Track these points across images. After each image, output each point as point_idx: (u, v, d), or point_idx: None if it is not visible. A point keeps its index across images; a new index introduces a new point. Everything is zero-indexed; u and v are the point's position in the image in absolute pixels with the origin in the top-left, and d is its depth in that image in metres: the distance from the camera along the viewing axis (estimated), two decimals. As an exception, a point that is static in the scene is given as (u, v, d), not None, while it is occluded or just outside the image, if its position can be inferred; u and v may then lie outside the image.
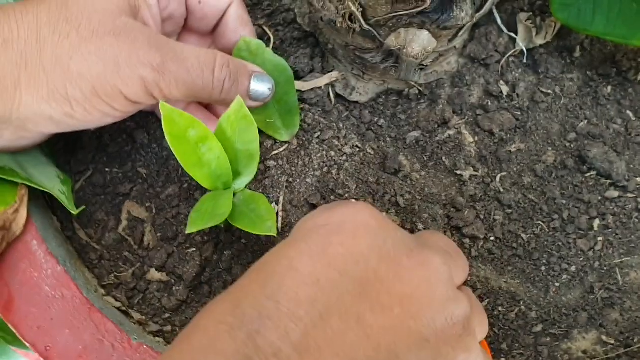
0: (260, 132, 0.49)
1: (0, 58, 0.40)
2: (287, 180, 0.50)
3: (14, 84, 0.40)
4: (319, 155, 0.51)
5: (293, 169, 0.50)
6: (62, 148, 0.53)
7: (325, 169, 0.51)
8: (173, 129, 0.43)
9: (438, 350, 0.33)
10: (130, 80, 0.41)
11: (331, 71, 0.55)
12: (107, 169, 0.53)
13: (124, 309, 0.48)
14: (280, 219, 0.48)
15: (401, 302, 0.33)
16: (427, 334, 0.33)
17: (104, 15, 0.41)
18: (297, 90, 0.53)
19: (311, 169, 0.51)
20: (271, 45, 0.56)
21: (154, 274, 0.49)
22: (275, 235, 0.44)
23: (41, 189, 0.47)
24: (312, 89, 0.54)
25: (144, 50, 0.42)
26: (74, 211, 0.49)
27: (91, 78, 0.41)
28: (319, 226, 0.36)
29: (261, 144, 0.49)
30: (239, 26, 0.51)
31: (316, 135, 0.52)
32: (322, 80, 0.55)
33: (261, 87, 0.48)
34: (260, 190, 0.49)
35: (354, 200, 0.47)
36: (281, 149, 0.51)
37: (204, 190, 0.52)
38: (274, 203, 0.49)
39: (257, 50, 0.49)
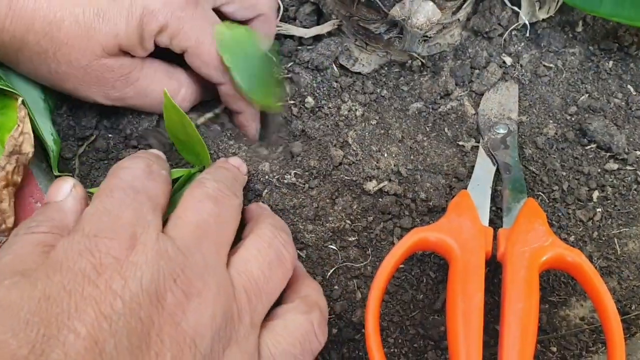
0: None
1: None
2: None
3: None
4: (326, 123, 0.52)
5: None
6: (65, 113, 0.53)
7: (332, 139, 0.52)
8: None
9: None
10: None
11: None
12: (110, 135, 0.53)
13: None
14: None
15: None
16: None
17: (83, 55, 0.45)
18: (301, 44, 0.57)
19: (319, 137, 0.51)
20: (279, 16, 0.56)
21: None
22: None
23: (37, 132, 0.48)
24: (319, 54, 0.54)
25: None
26: (56, 172, 0.49)
27: None
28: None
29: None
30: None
31: (323, 103, 0.53)
32: (325, 28, 0.56)
33: None
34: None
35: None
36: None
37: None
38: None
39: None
